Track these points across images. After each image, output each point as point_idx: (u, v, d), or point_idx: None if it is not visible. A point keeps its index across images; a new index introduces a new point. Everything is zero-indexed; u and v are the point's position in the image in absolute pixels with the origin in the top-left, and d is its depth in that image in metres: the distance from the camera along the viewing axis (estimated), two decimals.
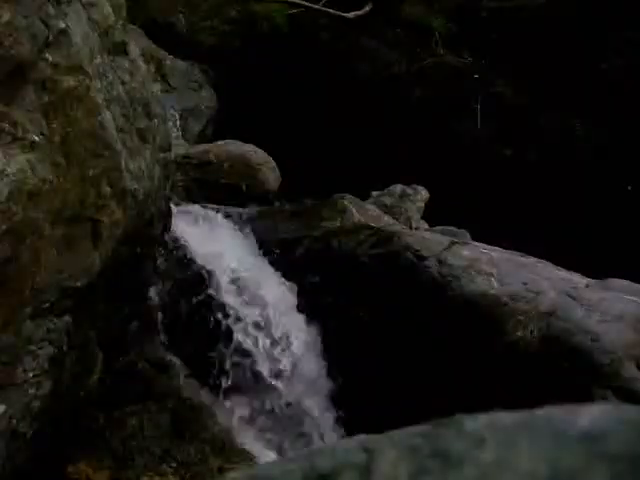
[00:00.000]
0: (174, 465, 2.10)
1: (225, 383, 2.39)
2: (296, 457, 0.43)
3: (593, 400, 2.16)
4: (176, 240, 2.53)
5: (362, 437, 0.42)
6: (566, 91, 5.01)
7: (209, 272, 2.51)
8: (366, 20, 5.24)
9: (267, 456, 2.23)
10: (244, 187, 3.33)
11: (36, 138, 1.42)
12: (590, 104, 5.00)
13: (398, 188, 3.89)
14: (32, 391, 1.53)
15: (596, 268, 3.03)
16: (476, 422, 0.36)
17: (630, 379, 2.29)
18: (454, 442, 0.35)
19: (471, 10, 5.31)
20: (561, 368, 2.31)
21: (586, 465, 0.30)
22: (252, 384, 2.42)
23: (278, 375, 2.45)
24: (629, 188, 4.93)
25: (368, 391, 2.53)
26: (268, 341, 2.49)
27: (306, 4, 5.04)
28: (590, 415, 0.34)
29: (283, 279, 2.68)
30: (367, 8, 5.16)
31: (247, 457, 2.21)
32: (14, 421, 1.47)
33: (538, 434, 0.33)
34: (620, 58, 4.93)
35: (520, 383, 2.29)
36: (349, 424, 2.51)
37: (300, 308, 2.62)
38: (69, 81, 1.51)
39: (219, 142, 3.59)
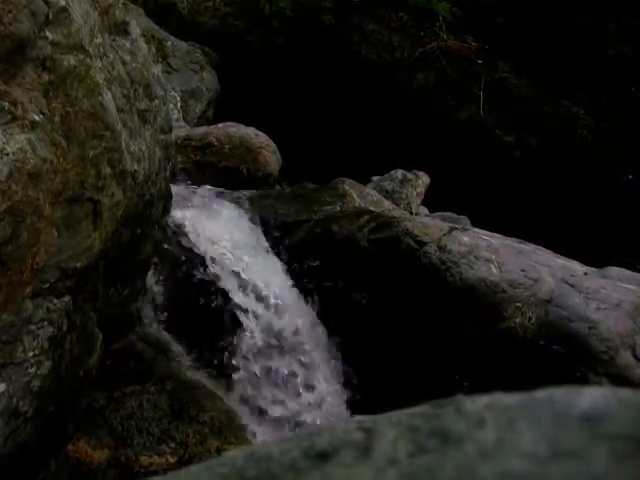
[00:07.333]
0: (173, 445, 2.12)
1: (224, 365, 2.41)
2: (295, 436, 0.44)
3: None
4: (176, 222, 2.53)
5: (361, 417, 0.42)
6: (570, 78, 4.98)
7: (208, 254, 2.52)
8: (370, 3, 5.19)
9: (266, 437, 2.25)
10: (245, 170, 3.32)
11: (36, 117, 1.41)
12: (594, 91, 4.96)
13: (399, 173, 3.88)
14: (32, 370, 1.53)
15: (595, 256, 3.03)
16: (476, 403, 0.36)
17: (626, 366, 2.30)
18: (454, 422, 0.35)
19: None
20: (558, 355, 2.32)
21: (587, 446, 0.30)
22: (252, 366, 2.44)
23: (278, 357, 2.47)
24: (630, 177, 4.92)
25: (367, 375, 2.55)
26: (268, 324, 2.50)
27: None
28: (590, 397, 0.34)
29: (283, 264, 2.69)
30: None
31: (246, 438, 2.23)
32: (14, 400, 1.48)
33: (538, 415, 0.33)
34: (627, 45, 4.89)
35: (517, 369, 2.30)
36: (350, 406, 2.53)
37: (300, 292, 2.63)
38: (69, 60, 1.49)
39: (220, 124, 3.57)
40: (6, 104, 1.33)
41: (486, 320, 2.40)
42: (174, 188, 2.56)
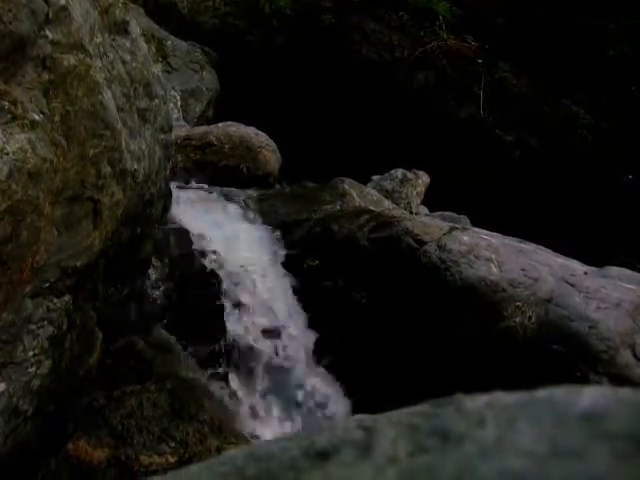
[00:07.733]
0: (173, 445, 2.12)
1: (224, 364, 2.41)
2: (295, 435, 0.44)
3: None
4: (175, 221, 2.53)
5: (361, 417, 0.42)
6: (570, 78, 4.98)
7: (208, 253, 2.52)
8: (370, 3, 5.19)
9: (265, 436, 2.25)
10: (244, 169, 3.32)
11: (36, 117, 1.41)
12: (594, 91, 4.96)
13: (399, 172, 3.88)
14: (32, 370, 1.53)
15: (595, 256, 3.03)
16: (476, 402, 0.36)
17: (626, 366, 2.30)
18: (454, 421, 0.35)
19: None
20: (558, 354, 2.32)
21: (587, 445, 0.30)
22: (250, 365, 2.44)
23: (276, 356, 2.47)
24: (630, 177, 4.92)
25: (367, 375, 2.55)
26: (265, 324, 2.50)
27: None
28: (591, 396, 0.34)
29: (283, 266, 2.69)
30: None
31: (245, 438, 2.23)
32: (14, 399, 1.48)
33: (538, 414, 0.33)
34: (627, 45, 4.89)
35: (517, 368, 2.30)
36: (348, 407, 2.53)
37: (298, 291, 2.63)
38: (69, 59, 1.49)
39: (220, 124, 3.57)
40: (6, 103, 1.33)
41: (486, 319, 2.40)
42: None
